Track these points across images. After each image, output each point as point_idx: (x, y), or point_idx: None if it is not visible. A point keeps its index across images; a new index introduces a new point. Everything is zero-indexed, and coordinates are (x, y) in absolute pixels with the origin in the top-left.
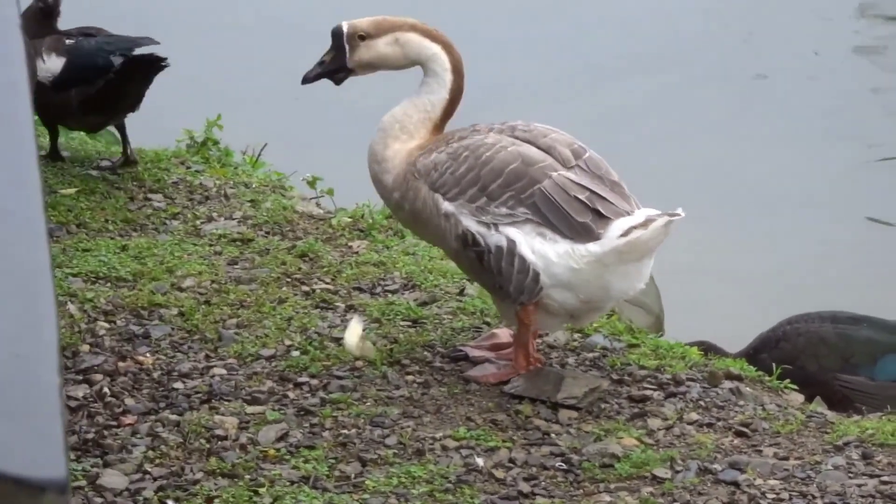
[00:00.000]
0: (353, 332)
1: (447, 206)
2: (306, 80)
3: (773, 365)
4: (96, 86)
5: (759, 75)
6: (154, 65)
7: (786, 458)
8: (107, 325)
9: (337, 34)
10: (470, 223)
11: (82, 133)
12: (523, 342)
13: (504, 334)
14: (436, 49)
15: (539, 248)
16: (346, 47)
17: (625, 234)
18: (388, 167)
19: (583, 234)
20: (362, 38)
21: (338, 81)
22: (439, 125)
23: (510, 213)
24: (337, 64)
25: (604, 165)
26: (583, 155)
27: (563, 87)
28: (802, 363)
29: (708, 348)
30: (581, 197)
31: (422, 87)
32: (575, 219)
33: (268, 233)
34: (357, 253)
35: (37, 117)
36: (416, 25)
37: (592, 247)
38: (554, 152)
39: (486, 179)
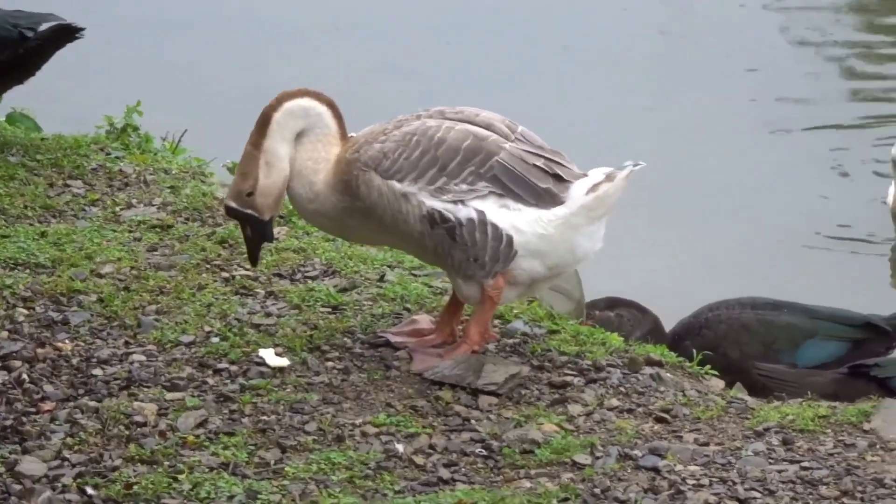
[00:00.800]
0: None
1: (405, 187)
2: (254, 265)
3: (694, 352)
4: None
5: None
6: (71, 33)
7: (706, 444)
8: (26, 311)
9: (234, 211)
10: (434, 202)
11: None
12: (485, 318)
13: (424, 321)
14: (289, 113)
15: (506, 218)
16: (249, 212)
17: (592, 191)
18: (317, 189)
19: (547, 199)
20: (249, 194)
21: (270, 238)
22: (343, 135)
23: (471, 188)
24: (258, 229)
25: (538, 138)
26: (516, 130)
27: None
28: (725, 350)
29: (615, 303)
30: (538, 164)
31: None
32: (538, 185)
33: (187, 219)
34: (277, 239)
35: None
36: (255, 140)
37: (559, 210)
38: (493, 128)
39: (444, 159)
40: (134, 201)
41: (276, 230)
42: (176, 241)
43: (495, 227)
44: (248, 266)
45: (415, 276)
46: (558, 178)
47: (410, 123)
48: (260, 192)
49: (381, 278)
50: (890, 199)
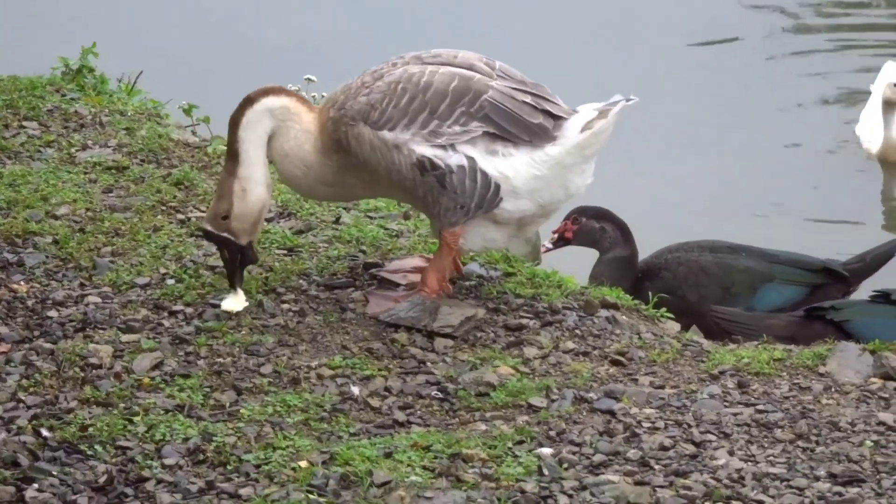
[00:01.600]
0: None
1: (396, 137)
2: (233, 287)
3: (651, 294)
4: None
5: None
6: None
7: (662, 387)
8: None
9: (210, 234)
10: (424, 149)
11: None
12: (442, 265)
13: (419, 260)
14: (254, 124)
15: (496, 164)
16: (225, 235)
17: (587, 128)
18: (309, 160)
19: (540, 135)
20: (225, 217)
21: (253, 260)
22: (310, 106)
23: (464, 129)
24: (234, 252)
25: (517, 72)
26: (495, 66)
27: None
28: (684, 293)
29: (585, 212)
30: (528, 100)
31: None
32: (530, 121)
33: (143, 161)
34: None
35: None
36: (230, 166)
37: (553, 149)
38: (475, 68)
39: (433, 102)
40: (89, 143)
41: None
42: (131, 183)
43: (484, 175)
44: (204, 208)
45: (370, 218)
46: (549, 115)
47: (392, 73)
48: (235, 217)
49: (337, 220)
50: (873, 144)
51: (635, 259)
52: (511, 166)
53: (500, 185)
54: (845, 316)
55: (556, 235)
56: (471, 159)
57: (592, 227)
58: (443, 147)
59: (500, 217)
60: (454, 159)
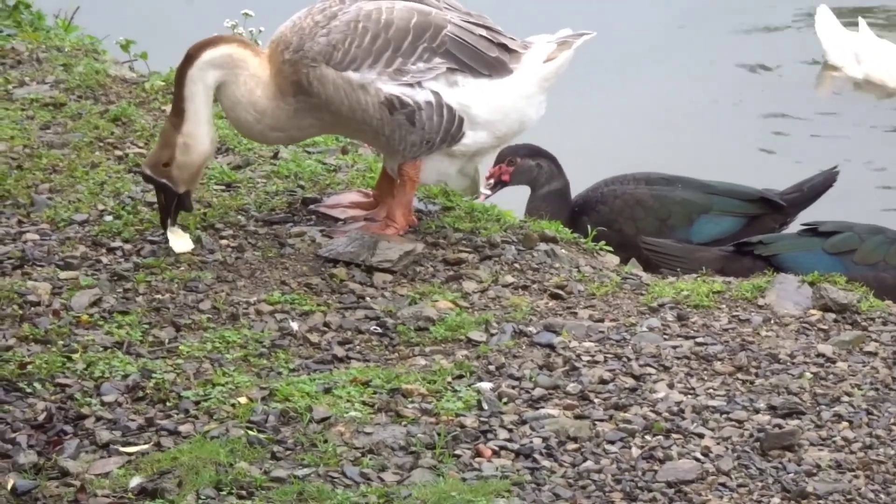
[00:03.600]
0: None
1: (362, 76)
2: (164, 228)
3: (589, 228)
4: None
5: None
6: None
7: (601, 321)
8: None
9: (149, 178)
10: (391, 88)
11: None
12: (407, 199)
13: (357, 195)
14: (199, 77)
15: (459, 94)
16: (163, 181)
17: (550, 59)
18: (261, 106)
19: (498, 68)
20: (166, 165)
21: (188, 208)
22: (256, 51)
23: (428, 66)
24: (171, 198)
25: (460, 4)
26: None
27: None
28: (620, 226)
29: (531, 152)
30: (484, 34)
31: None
32: (488, 55)
33: (80, 97)
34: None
35: None
36: (174, 120)
37: (512, 80)
38: (426, 2)
39: (396, 40)
40: (26, 79)
41: (168, 108)
42: (69, 119)
43: (449, 109)
44: (142, 144)
45: (308, 153)
46: (504, 48)
47: (346, 10)
48: (176, 166)
49: (275, 156)
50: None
51: (568, 191)
52: (473, 99)
53: (464, 119)
54: (773, 250)
55: (492, 180)
56: (436, 94)
57: (529, 165)
58: (409, 85)
59: (456, 150)
60: (421, 96)
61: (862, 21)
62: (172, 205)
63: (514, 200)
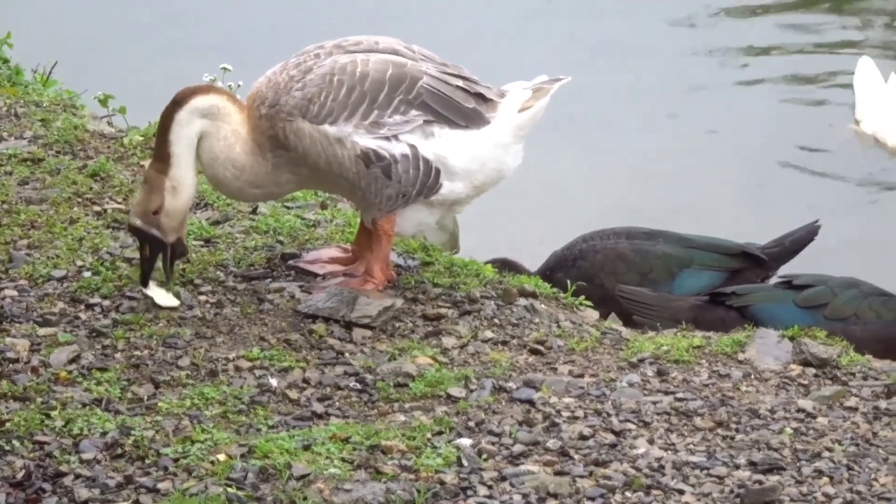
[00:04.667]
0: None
1: (338, 131)
2: (145, 285)
3: (569, 283)
4: None
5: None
6: None
7: (581, 376)
8: None
9: (139, 230)
10: (368, 141)
11: None
12: (385, 254)
13: (336, 250)
14: (185, 122)
15: (436, 146)
16: (154, 232)
17: (524, 109)
18: (240, 162)
19: (475, 119)
20: (156, 212)
21: (183, 255)
22: (240, 106)
23: (405, 118)
24: (158, 250)
25: (434, 55)
26: (414, 49)
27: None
28: (601, 280)
29: (505, 265)
30: (460, 84)
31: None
32: (464, 106)
33: (59, 152)
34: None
35: None
36: (158, 166)
37: (489, 130)
38: (400, 53)
39: (372, 92)
40: (4, 134)
41: (147, 163)
42: (47, 175)
43: (426, 162)
44: (121, 199)
45: (287, 208)
46: (480, 98)
47: (320, 64)
48: (165, 213)
49: (254, 211)
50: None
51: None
52: (450, 150)
53: (441, 170)
54: (745, 301)
55: None
56: (413, 147)
57: None
58: (386, 138)
59: (434, 200)
60: (398, 149)
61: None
62: (159, 256)
63: (493, 253)
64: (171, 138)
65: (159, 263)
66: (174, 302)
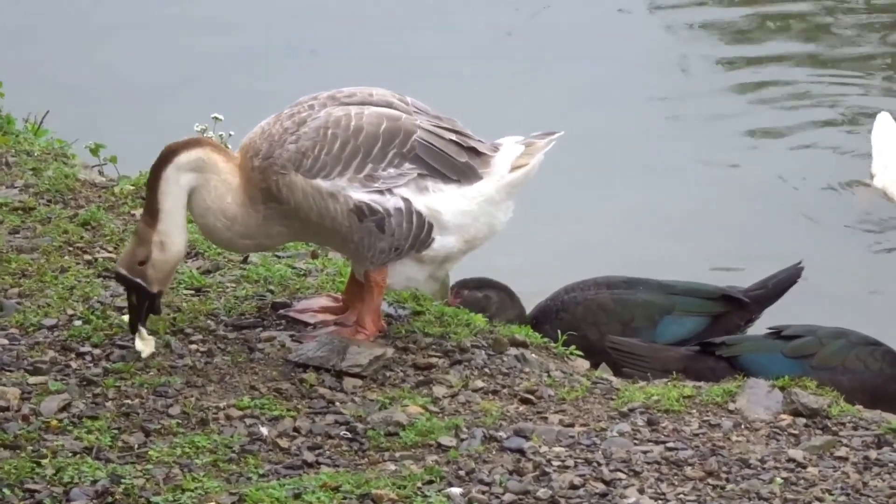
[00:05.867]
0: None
1: (332, 185)
2: (133, 331)
3: (559, 333)
4: None
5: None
6: None
7: (571, 425)
8: None
9: (123, 278)
10: (361, 195)
11: None
12: (376, 306)
13: (327, 299)
14: (174, 180)
15: (428, 200)
16: (138, 281)
17: (518, 166)
18: (231, 213)
19: (468, 174)
20: (142, 263)
21: (157, 311)
22: (229, 156)
23: (398, 171)
24: (143, 299)
25: (428, 107)
26: (408, 101)
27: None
28: (584, 332)
29: (483, 285)
30: (453, 138)
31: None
32: (458, 160)
33: (50, 201)
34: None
35: None
36: (148, 220)
37: (482, 186)
38: (394, 106)
39: (366, 146)
40: None
41: (138, 212)
42: (38, 224)
43: (419, 216)
44: (111, 248)
45: (278, 257)
46: (474, 152)
47: (315, 116)
48: (151, 265)
49: (245, 260)
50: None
51: (524, 314)
52: (442, 204)
53: (433, 225)
54: (734, 351)
55: None
56: (406, 201)
57: (476, 296)
58: (379, 192)
59: (426, 256)
60: (391, 202)
61: None
62: (145, 306)
63: None
64: (159, 195)
65: None
66: (151, 348)
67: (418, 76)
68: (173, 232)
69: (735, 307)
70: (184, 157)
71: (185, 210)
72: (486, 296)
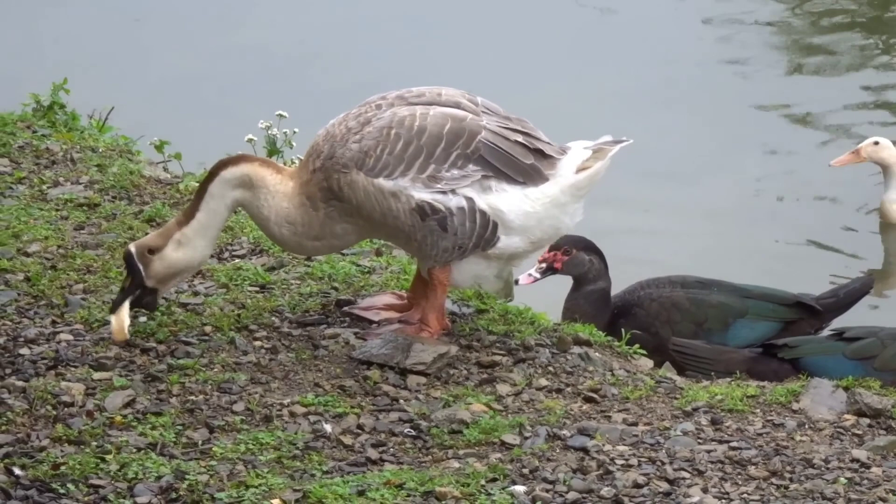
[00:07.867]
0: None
1: (394, 185)
2: (113, 310)
3: (623, 331)
4: None
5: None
6: None
7: (635, 424)
8: None
9: (129, 257)
10: (423, 195)
11: None
12: (439, 303)
13: (390, 297)
14: (219, 195)
15: (492, 200)
16: (140, 266)
17: (583, 169)
18: (292, 217)
19: (533, 175)
20: (152, 251)
21: (149, 307)
22: (278, 168)
23: (461, 172)
24: (136, 285)
25: (499, 107)
26: (478, 102)
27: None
28: (657, 329)
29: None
30: (519, 139)
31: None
32: (524, 162)
33: (114, 197)
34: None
35: None
36: (181, 218)
37: (547, 188)
38: (462, 106)
39: (429, 147)
40: (61, 179)
41: None
42: (103, 220)
43: (483, 215)
44: None
45: (342, 255)
46: (540, 154)
47: (380, 116)
48: (160, 258)
49: (309, 257)
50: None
51: (609, 292)
52: (507, 205)
53: (498, 224)
54: (795, 353)
55: (543, 265)
56: (469, 200)
57: (583, 258)
58: (442, 192)
59: (491, 253)
60: (454, 202)
61: None
62: (134, 294)
63: (550, 302)
64: (200, 204)
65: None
66: (124, 336)
67: (493, 78)
68: (196, 239)
69: (807, 314)
70: (229, 173)
71: (219, 230)
72: (591, 259)
